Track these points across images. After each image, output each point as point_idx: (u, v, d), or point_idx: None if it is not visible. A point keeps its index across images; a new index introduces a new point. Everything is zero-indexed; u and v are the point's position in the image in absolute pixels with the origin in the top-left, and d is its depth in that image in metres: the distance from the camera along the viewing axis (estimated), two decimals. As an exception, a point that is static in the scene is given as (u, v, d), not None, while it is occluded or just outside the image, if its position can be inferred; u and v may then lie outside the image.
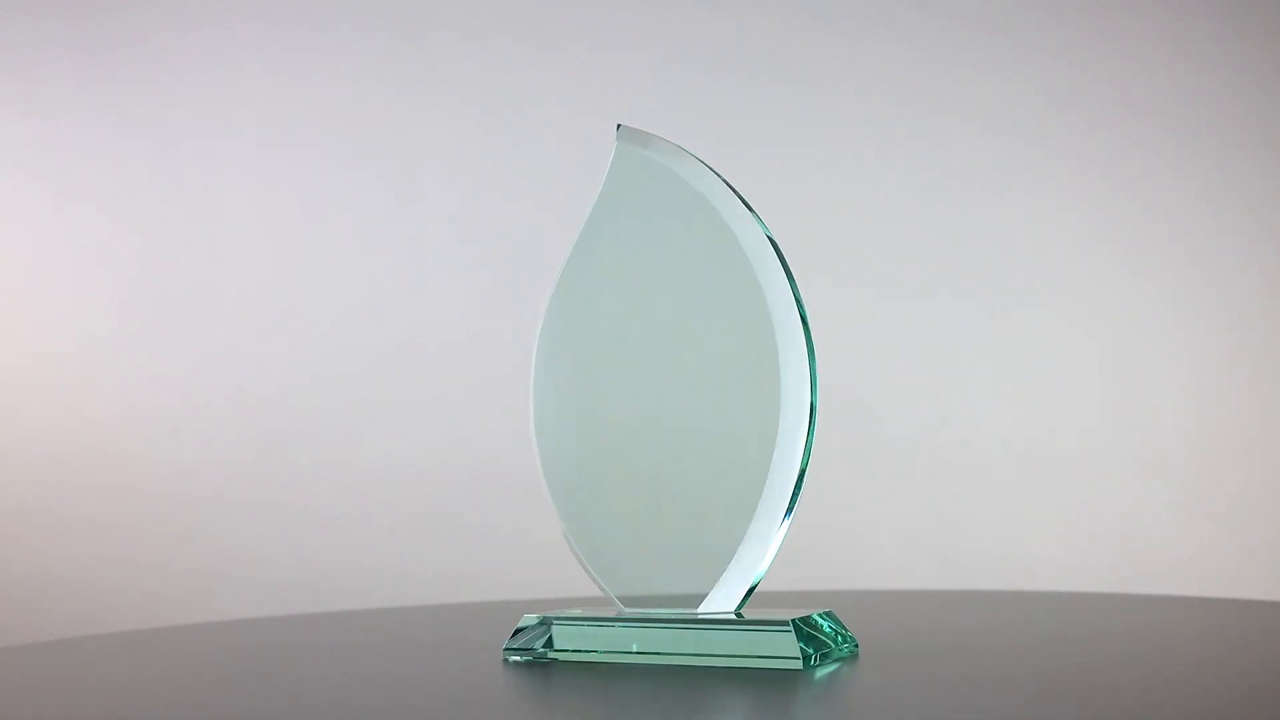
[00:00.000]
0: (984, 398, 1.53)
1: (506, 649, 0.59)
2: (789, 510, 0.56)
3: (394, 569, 1.46)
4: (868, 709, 0.47)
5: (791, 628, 0.53)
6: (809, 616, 0.54)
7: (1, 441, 1.48)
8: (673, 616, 0.56)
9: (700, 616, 0.56)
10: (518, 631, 0.59)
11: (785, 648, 0.53)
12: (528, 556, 1.46)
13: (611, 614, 0.58)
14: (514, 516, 1.47)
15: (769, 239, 0.57)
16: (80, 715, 0.51)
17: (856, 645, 0.57)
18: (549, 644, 0.58)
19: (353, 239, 1.54)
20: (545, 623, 0.58)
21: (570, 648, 0.57)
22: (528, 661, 0.58)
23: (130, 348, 1.51)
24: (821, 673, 0.52)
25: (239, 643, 0.73)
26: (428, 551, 1.47)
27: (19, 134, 1.52)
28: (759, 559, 0.56)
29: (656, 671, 0.54)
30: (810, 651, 0.53)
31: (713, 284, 0.58)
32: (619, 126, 0.60)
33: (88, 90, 1.53)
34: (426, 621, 0.80)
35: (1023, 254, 1.56)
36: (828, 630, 0.55)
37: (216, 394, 1.51)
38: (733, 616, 0.56)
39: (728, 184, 0.59)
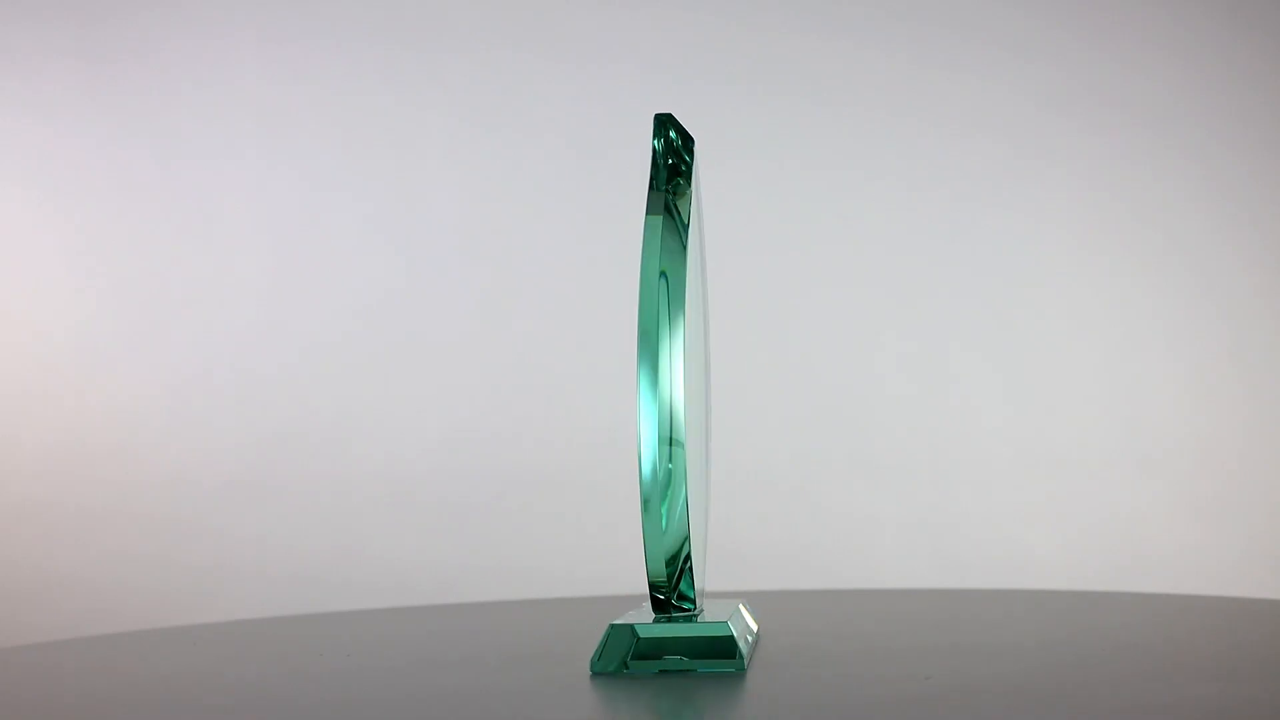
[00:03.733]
0: (984, 397, 1.53)
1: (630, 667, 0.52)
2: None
3: (394, 568, 1.46)
4: (867, 705, 0.47)
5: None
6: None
7: (1, 441, 1.48)
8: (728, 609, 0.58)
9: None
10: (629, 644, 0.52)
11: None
12: (528, 555, 1.46)
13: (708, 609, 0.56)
14: (516, 516, 1.47)
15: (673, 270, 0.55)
16: (80, 715, 0.51)
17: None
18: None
19: (353, 239, 1.54)
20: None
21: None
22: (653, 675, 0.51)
23: (130, 346, 1.51)
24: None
25: (254, 642, 0.73)
26: (428, 550, 1.47)
27: (19, 135, 1.52)
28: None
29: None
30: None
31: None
32: (657, 116, 0.56)
33: (88, 92, 1.53)
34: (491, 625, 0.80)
35: (1022, 255, 1.56)
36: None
37: (217, 393, 1.51)
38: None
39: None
